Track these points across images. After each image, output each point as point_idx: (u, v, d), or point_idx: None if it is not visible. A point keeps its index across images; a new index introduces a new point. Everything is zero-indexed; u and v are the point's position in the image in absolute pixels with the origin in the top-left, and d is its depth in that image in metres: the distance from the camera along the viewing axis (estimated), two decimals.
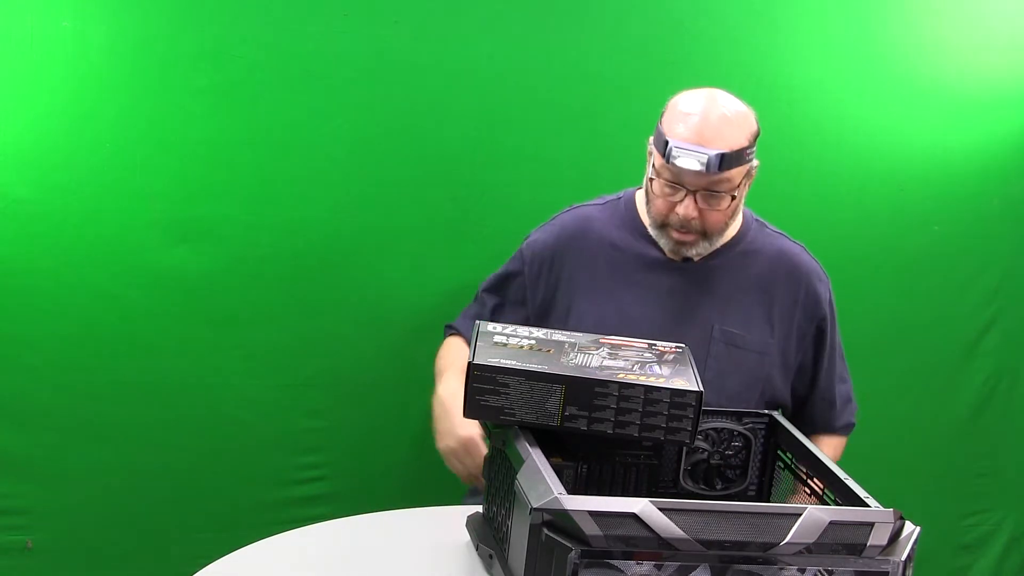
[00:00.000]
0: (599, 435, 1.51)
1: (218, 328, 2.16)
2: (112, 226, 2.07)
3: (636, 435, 1.50)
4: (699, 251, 1.90)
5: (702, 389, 1.51)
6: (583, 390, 1.48)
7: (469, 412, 1.50)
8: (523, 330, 1.65)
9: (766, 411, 1.70)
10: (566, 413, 1.49)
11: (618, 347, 1.62)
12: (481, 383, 1.48)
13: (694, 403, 1.49)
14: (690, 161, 1.78)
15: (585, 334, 1.67)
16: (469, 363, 1.49)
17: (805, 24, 2.35)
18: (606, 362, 1.55)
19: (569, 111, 2.22)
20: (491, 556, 1.45)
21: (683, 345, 1.65)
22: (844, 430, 2.03)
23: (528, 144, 2.24)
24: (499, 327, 1.65)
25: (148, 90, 2.04)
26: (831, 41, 2.37)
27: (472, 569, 1.48)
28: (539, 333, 1.64)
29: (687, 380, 1.53)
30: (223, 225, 2.12)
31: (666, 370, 1.55)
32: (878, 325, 2.51)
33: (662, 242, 1.91)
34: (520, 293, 2.00)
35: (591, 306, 1.93)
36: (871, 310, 2.49)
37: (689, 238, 1.87)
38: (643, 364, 1.56)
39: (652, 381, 1.50)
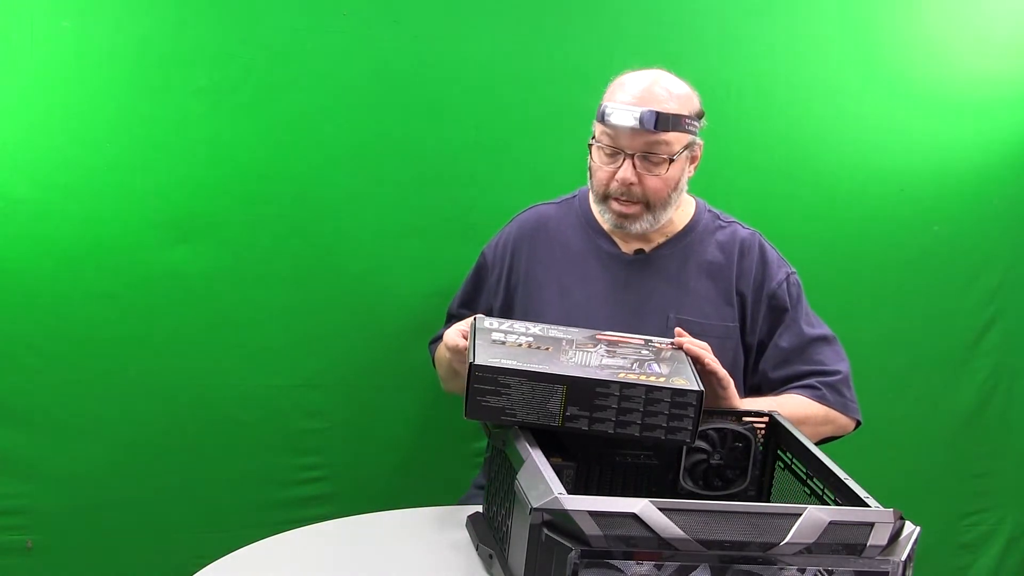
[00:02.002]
0: (600, 435, 1.51)
1: (218, 328, 2.16)
2: (112, 226, 2.07)
3: (637, 435, 1.50)
4: (643, 226, 1.89)
5: (702, 388, 1.51)
6: (584, 390, 1.48)
7: (470, 413, 1.50)
8: (519, 326, 1.65)
9: (766, 411, 1.70)
10: (567, 413, 1.49)
11: (615, 344, 1.62)
12: (482, 384, 1.48)
13: (695, 403, 1.49)
14: (624, 117, 1.80)
15: (581, 330, 1.67)
16: (470, 364, 1.49)
17: (805, 25, 2.35)
18: (605, 360, 1.55)
19: (569, 111, 2.22)
20: (491, 556, 1.45)
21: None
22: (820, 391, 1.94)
23: (528, 144, 2.24)
24: (495, 322, 1.65)
25: (148, 90, 2.04)
26: (831, 42, 2.37)
27: (472, 569, 1.48)
28: (535, 329, 1.64)
29: (687, 379, 1.53)
30: (223, 225, 2.12)
31: (665, 368, 1.55)
32: (878, 325, 2.51)
33: (606, 217, 1.91)
34: (488, 301, 2.02)
35: (549, 302, 1.94)
36: (871, 310, 2.50)
37: (631, 209, 1.86)
38: (641, 362, 1.56)
39: (652, 380, 1.50)
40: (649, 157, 1.83)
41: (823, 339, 1.95)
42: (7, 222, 2.02)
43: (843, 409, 1.91)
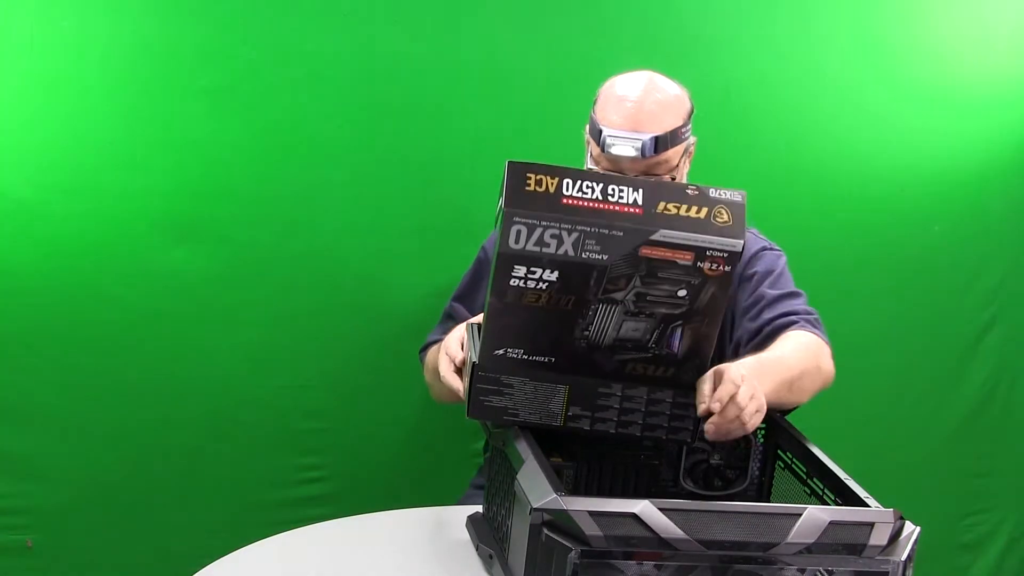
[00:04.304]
0: (601, 435, 1.51)
1: (218, 328, 2.16)
2: (112, 226, 2.07)
3: (639, 435, 1.50)
4: None
5: None
6: (587, 391, 1.48)
7: (473, 412, 1.50)
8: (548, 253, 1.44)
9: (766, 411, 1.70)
10: (569, 413, 1.49)
11: (653, 281, 1.44)
12: (485, 383, 1.48)
13: (696, 403, 1.49)
14: (625, 148, 1.79)
15: (624, 244, 1.44)
16: (472, 363, 1.49)
17: (805, 24, 2.35)
18: (625, 325, 1.46)
19: (569, 111, 2.21)
20: (491, 556, 1.45)
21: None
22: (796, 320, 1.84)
23: (528, 144, 2.24)
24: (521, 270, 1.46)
25: (148, 90, 2.04)
26: (831, 42, 2.37)
27: (472, 569, 1.48)
28: (568, 248, 1.42)
29: (698, 367, 1.48)
30: (223, 225, 2.12)
31: (686, 343, 1.48)
32: (878, 325, 2.51)
33: None
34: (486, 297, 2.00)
35: None
36: (871, 310, 2.50)
37: None
38: (664, 329, 1.46)
39: (660, 372, 1.48)
40: (651, 177, 1.83)
41: (791, 294, 1.89)
42: (7, 222, 2.02)
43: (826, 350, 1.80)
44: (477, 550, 1.51)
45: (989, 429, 2.66)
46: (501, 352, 1.47)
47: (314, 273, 2.19)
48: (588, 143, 1.89)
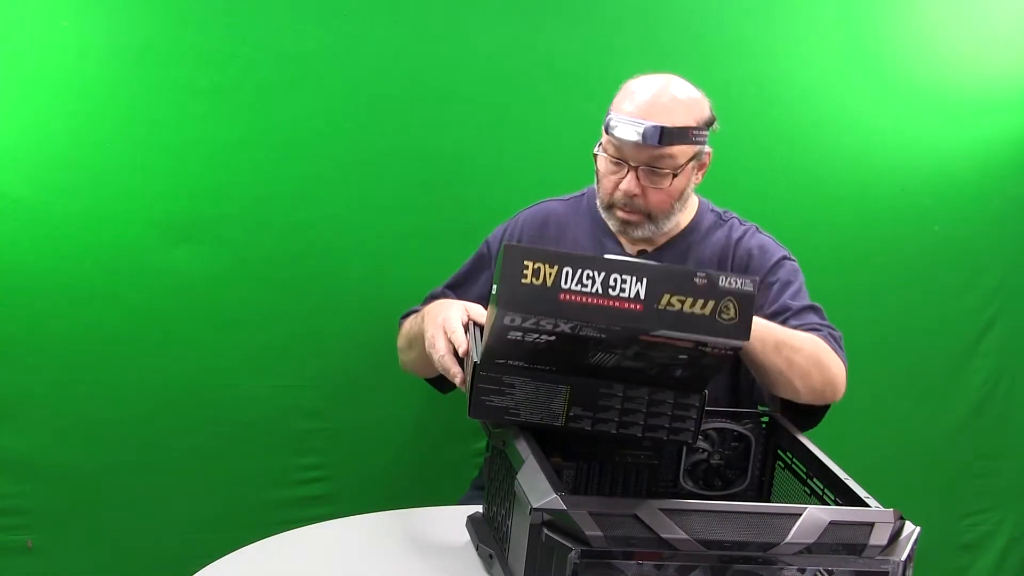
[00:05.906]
0: (602, 435, 1.51)
1: (218, 329, 2.16)
2: (112, 226, 2.07)
3: (640, 435, 1.50)
4: (644, 233, 1.90)
5: (706, 392, 1.51)
6: (588, 391, 1.48)
7: (474, 412, 1.49)
8: (546, 322, 1.44)
9: (766, 411, 1.70)
10: (571, 413, 1.49)
11: (652, 352, 1.44)
12: (487, 383, 1.48)
13: (697, 404, 1.49)
14: (627, 131, 1.79)
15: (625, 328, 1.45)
16: (475, 363, 1.48)
17: (805, 25, 2.35)
18: (626, 362, 1.45)
19: (569, 112, 2.22)
20: (491, 556, 1.45)
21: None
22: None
23: (528, 144, 2.24)
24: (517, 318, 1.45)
25: (148, 90, 2.04)
26: (831, 42, 2.38)
27: (472, 569, 1.48)
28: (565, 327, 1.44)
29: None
30: (223, 226, 2.12)
31: (688, 373, 1.48)
32: (878, 325, 2.51)
33: (611, 223, 1.92)
34: (488, 287, 2.01)
35: None
36: (872, 310, 2.50)
37: (634, 218, 1.88)
38: (664, 368, 1.47)
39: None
40: (654, 170, 1.83)
41: (811, 308, 1.90)
42: (7, 222, 2.02)
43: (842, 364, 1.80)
44: (477, 550, 1.51)
45: (989, 429, 2.66)
46: (503, 362, 1.47)
47: (314, 273, 2.19)
48: (603, 133, 1.89)
